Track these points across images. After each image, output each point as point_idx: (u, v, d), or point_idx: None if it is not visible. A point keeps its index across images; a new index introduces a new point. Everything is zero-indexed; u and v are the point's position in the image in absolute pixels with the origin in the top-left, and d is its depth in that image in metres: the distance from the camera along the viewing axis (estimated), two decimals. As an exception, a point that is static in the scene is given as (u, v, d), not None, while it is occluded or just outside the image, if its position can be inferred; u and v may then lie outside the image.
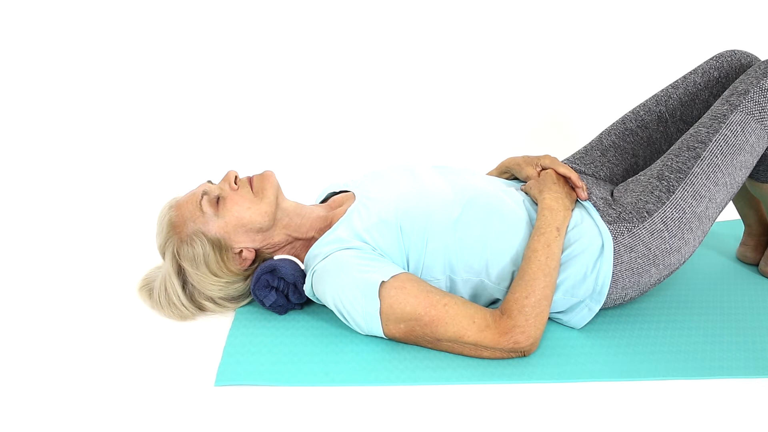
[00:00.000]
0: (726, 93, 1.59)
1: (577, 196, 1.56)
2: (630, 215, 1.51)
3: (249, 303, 1.63)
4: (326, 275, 1.45)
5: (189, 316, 1.57)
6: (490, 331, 1.38)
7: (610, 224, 1.51)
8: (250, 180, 1.57)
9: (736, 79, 1.67)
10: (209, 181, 1.59)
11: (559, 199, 1.51)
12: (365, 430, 1.24)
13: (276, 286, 1.54)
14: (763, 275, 1.77)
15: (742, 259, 1.84)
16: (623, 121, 1.74)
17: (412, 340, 1.44)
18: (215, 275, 1.54)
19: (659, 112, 1.72)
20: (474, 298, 1.53)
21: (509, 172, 1.70)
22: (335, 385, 1.35)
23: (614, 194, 1.59)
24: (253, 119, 2.63)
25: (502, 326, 1.38)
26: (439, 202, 1.50)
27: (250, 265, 1.57)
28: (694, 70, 1.72)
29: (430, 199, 1.51)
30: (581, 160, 1.73)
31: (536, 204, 1.55)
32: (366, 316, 1.42)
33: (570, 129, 2.73)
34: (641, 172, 1.60)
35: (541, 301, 1.40)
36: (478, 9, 2.76)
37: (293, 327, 1.54)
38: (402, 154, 2.56)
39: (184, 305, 1.56)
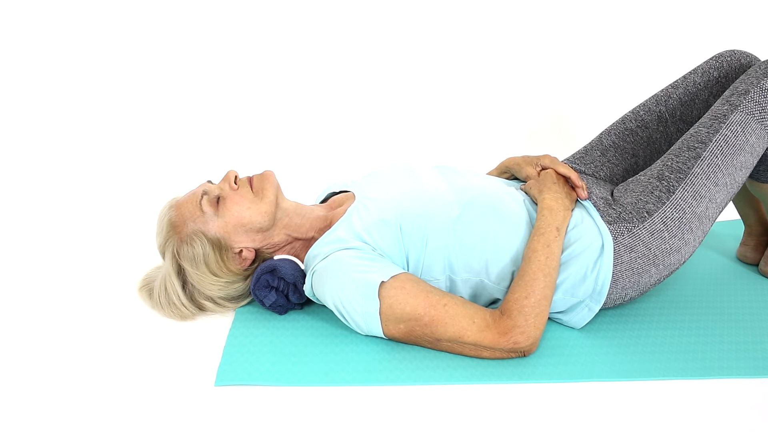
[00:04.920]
0: (726, 93, 1.59)
1: (577, 196, 1.56)
2: (630, 215, 1.51)
3: (249, 303, 1.63)
4: (326, 275, 1.45)
5: (189, 316, 1.57)
6: (489, 331, 1.38)
7: (610, 224, 1.51)
8: (250, 180, 1.57)
9: (736, 79, 1.67)
10: (209, 181, 1.59)
11: (558, 199, 1.51)
12: (365, 430, 1.24)
13: (276, 286, 1.54)
14: (763, 275, 1.77)
15: (742, 259, 1.84)
16: (623, 121, 1.74)
17: (411, 340, 1.44)
18: (215, 275, 1.54)
19: (659, 112, 1.72)
20: (474, 298, 1.53)
21: (509, 172, 1.70)
22: (335, 385, 1.35)
23: (614, 194, 1.59)
24: (253, 119, 2.63)
25: (502, 326, 1.38)
26: (439, 202, 1.50)
27: (250, 265, 1.57)
28: (693, 70, 1.72)
29: (430, 199, 1.51)
30: (581, 160, 1.73)
31: (536, 204, 1.55)
32: (365, 317, 1.42)
33: (570, 129, 2.73)
34: (641, 172, 1.60)
35: (541, 301, 1.40)
36: (478, 9, 2.76)
37: (293, 327, 1.54)
38: (402, 154, 2.56)
39: (184, 305, 1.56)
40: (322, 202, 1.72)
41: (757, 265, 1.82)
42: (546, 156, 1.62)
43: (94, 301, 1.67)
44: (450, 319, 1.39)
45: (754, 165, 1.59)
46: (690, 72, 1.73)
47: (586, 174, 1.71)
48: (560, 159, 2.04)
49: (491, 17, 2.77)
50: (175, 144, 2.53)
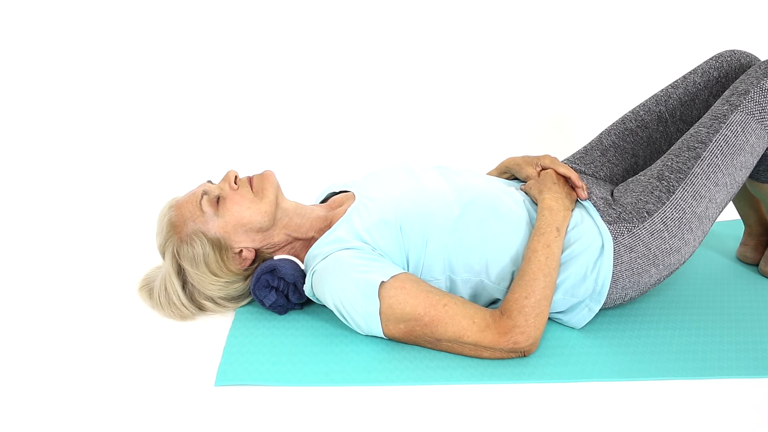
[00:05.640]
0: (726, 93, 1.59)
1: (577, 196, 1.56)
2: (630, 215, 1.51)
3: (249, 303, 1.63)
4: (326, 275, 1.45)
5: (189, 316, 1.57)
6: (489, 331, 1.38)
7: (610, 224, 1.51)
8: (250, 180, 1.57)
9: (735, 79, 1.67)
10: (209, 181, 1.59)
11: (559, 199, 1.51)
12: (365, 430, 1.24)
13: (276, 286, 1.54)
14: (763, 275, 1.77)
15: (742, 259, 1.84)
16: (623, 121, 1.74)
17: (411, 340, 1.44)
18: (215, 275, 1.54)
19: (659, 112, 1.72)
20: (474, 298, 1.53)
21: (509, 172, 1.70)
22: (335, 385, 1.35)
23: (614, 194, 1.59)
24: (253, 119, 2.63)
25: (502, 326, 1.38)
26: (439, 202, 1.50)
27: (250, 265, 1.57)
28: (693, 70, 1.72)
29: (430, 199, 1.51)
30: (581, 160, 1.73)
31: (536, 204, 1.55)
32: (366, 317, 1.42)
33: (570, 129, 2.73)
34: (641, 172, 1.60)
35: (541, 301, 1.40)
36: (478, 9, 2.76)
37: (293, 327, 1.54)
38: (402, 154, 2.57)
39: (184, 305, 1.56)
40: (322, 202, 1.72)
41: (757, 265, 1.82)
42: (546, 156, 1.62)
43: (94, 301, 1.67)
44: (450, 319, 1.39)
45: (754, 165, 1.59)
46: (690, 72, 1.73)
47: (586, 174, 1.71)
48: (560, 159, 2.04)
49: (491, 17, 2.77)
50: (175, 144, 2.53)
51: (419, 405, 1.30)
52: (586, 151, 1.74)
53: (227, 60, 2.66)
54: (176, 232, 1.54)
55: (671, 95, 1.72)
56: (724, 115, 1.55)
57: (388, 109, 2.71)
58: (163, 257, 1.57)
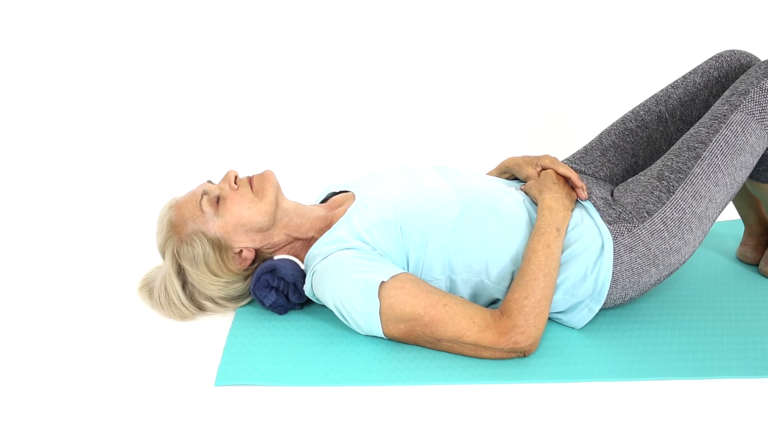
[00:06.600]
0: (726, 93, 1.59)
1: (577, 196, 1.56)
2: (630, 215, 1.51)
3: (249, 303, 1.63)
4: (326, 275, 1.45)
5: (189, 316, 1.57)
6: (489, 331, 1.38)
7: (610, 224, 1.51)
8: (250, 180, 1.57)
9: (735, 79, 1.67)
10: (209, 181, 1.59)
11: (559, 199, 1.51)
12: (365, 430, 1.24)
13: (276, 286, 1.54)
14: (763, 275, 1.77)
15: (742, 259, 1.84)
16: (623, 121, 1.74)
17: (411, 340, 1.44)
18: (215, 275, 1.54)
19: (659, 112, 1.72)
20: (474, 298, 1.53)
21: (509, 172, 1.70)
22: (335, 385, 1.35)
23: (614, 194, 1.59)
24: (253, 119, 2.63)
25: (502, 326, 1.38)
26: (439, 202, 1.50)
27: (250, 265, 1.57)
28: (693, 70, 1.72)
29: (430, 199, 1.51)
30: (581, 160, 1.73)
31: (536, 204, 1.55)
32: (366, 317, 1.42)
33: (570, 129, 2.73)
34: (641, 172, 1.60)
35: (541, 301, 1.40)
36: (478, 9, 2.76)
37: (293, 327, 1.54)
38: (402, 154, 2.57)
39: (184, 305, 1.56)
40: (322, 202, 1.73)
41: (757, 265, 1.82)
42: (546, 156, 1.62)
43: (94, 301, 1.67)
44: (450, 319, 1.39)
45: (754, 165, 1.59)
46: (690, 72, 1.73)
47: (586, 174, 1.71)
48: (560, 159, 2.04)
49: (491, 17, 2.77)
50: (175, 144, 2.53)
51: (419, 405, 1.30)
52: (586, 151, 1.74)
53: (227, 60, 2.66)
54: (176, 232, 1.54)
55: (671, 95, 1.72)
56: (724, 115, 1.55)
57: (388, 109, 2.71)
58: (163, 257, 1.57)
